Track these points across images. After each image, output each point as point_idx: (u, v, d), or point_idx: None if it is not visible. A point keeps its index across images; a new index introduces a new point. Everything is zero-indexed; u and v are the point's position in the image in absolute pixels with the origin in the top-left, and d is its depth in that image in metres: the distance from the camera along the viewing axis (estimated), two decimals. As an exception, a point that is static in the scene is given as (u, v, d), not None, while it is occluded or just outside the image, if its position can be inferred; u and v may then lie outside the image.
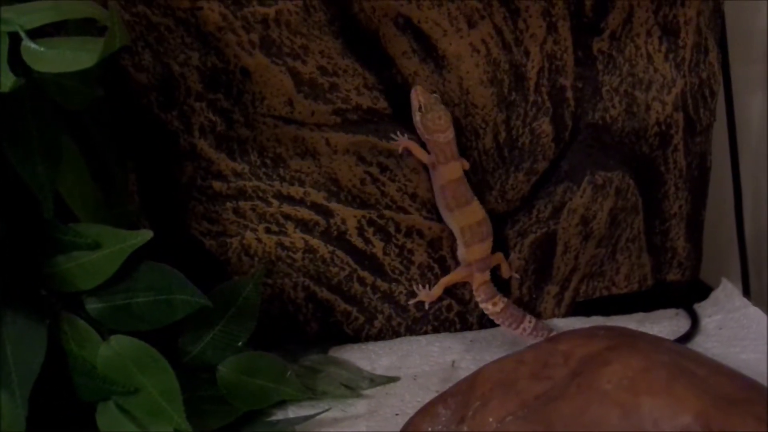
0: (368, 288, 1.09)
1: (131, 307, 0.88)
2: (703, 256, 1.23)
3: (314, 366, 1.04)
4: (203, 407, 0.94)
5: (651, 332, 1.03)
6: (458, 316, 1.13)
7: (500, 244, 1.11)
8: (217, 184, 1.03)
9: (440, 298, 1.11)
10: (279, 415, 0.96)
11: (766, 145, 1.39)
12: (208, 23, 0.95)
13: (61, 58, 0.78)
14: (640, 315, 1.17)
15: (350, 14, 0.99)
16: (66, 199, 0.87)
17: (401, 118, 1.02)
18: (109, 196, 0.95)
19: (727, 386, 0.75)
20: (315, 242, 1.06)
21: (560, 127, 1.08)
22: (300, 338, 1.11)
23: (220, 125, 1.01)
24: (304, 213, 1.05)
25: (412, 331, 1.13)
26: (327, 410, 0.96)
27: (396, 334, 1.13)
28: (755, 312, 1.13)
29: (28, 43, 0.78)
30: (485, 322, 1.14)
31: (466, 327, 1.14)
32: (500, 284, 1.11)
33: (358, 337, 1.12)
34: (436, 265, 1.10)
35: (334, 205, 1.05)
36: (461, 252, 1.07)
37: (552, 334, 1.06)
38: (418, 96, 1.00)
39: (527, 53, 1.04)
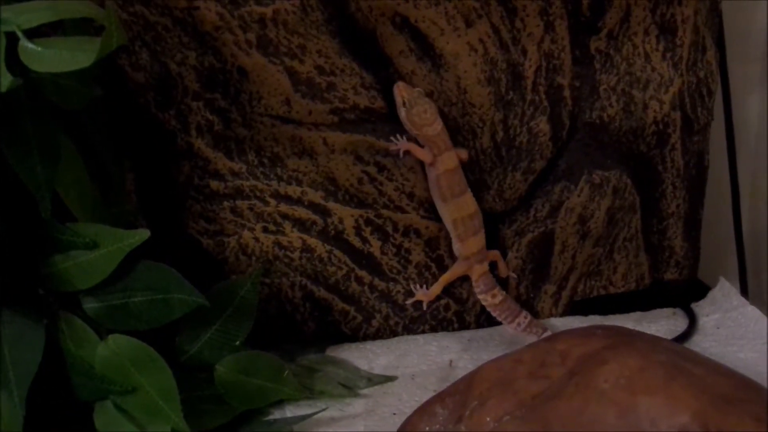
0: (366, 287, 1.09)
1: (129, 306, 0.88)
2: (700, 255, 1.23)
3: (312, 365, 1.04)
4: (201, 406, 0.94)
5: (648, 331, 1.03)
6: (456, 315, 1.13)
7: (498, 244, 1.12)
8: (215, 184, 1.03)
9: (438, 297, 1.11)
10: (276, 415, 0.96)
11: (765, 143, 1.39)
12: (205, 23, 0.95)
13: (58, 58, 0.78)
14: (638, 314, 1.17)
15: (347, 14, 0.99)
16: (64, 198, 0.87)
17: (398, 119, 1.02)
18: (107, 196, 0.95)
19: (725, 386, 0.75)
20: (312, 241, 1.06)
21: (558, 126, 1.08)
22: (297, 337, 1.11)
23: (217, 124, 1.01)
24: (302, 212, 1.05)
25: (409, 330, 1.13)
26: (324, 409, 0.96)
27: (393, 334, 1.13)
28: (753, 311, 1.13)
29: (25, 43, 0.78)
30: (483, 322, 1.15)
31: (463, 326, 1.14)
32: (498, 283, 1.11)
33: (355, 336, 1.12)
34: (433, 265, 1.10)
35: (331, 205, 1.05)
36: (457, 247, 1.07)
37: (545, 334, 1.06)
38: (400, 92, 1.00)
39: (525, 52, 1.04)
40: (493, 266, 1.10)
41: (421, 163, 1.04)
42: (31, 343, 0.84)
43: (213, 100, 1.00)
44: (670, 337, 1.08)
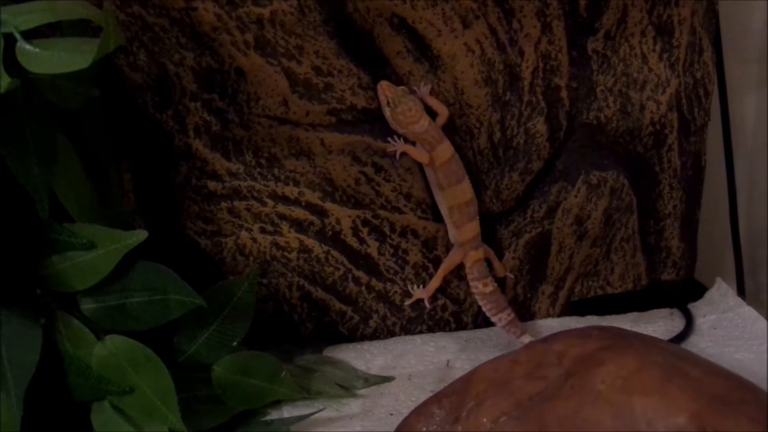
0: (363, 288, 1.09)
1: (126, 307, 0.88)
2: (697, 255, 1.23)
3: (309, 366, 1.04)
4: (198, 407, 0.94)
5: (645, 332, 1.03)
6: (453, 315, 1.14)
7: (495, 244, 1.12)
8: (212, 184, 1.03)
9: (435, 298, 1.11)
10: (274, 415, 0.97)
11: (761, 144, 1.40)
12: (203, 23, 0.95)
13: (55, 60, 0.78)
14: (635, 315, 1.17)
15: (345, 14, 0.99)
16: (61, 199, 0.87)
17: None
18: (105, 196, 0.95)
19: (722, 387, 0.76)
20: (310, 242, 1.06)
21: (555, 126, 1.08)
22: (295, 338, 1.11)
23: (215, 125, 1.01)
24: (299, 213, 1.05)
25: (407, 330, 1.13)
26: (321, 410, 0.97)
27: (391, 334, 1.13)
28: (749, 312, 1.13)
29: (23, 45, 0.78)
30: (480, 322, 1.15)
31: (461, 326, 1.14)
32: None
33: (353, 336, 1.12)
34: (430, 265, 1.10)
35: (328, 205, 1.05)
36: (452, 233, 1.07)
37: (524, 336, 1.06)
38: (384, 91, 0.99)
39: (522, 53, 1.04)
40: (487, 264, 1.10)
41: (420, 165, 1.04)
42: (28, 344, 0.84)
43: (211, 100, 1.00)
44: (667, 337, 1.09)
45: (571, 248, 1.13)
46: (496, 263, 1.11)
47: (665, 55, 1.09)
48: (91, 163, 0.92)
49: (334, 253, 1.07)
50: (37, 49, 0.78)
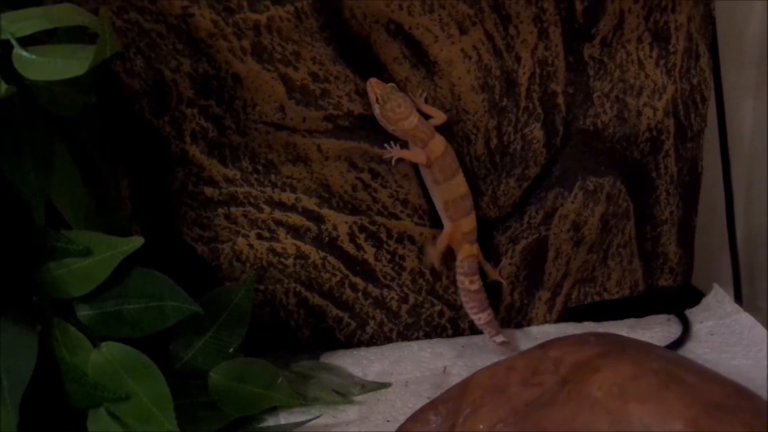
0: (360, 294, 1.09)
1: (122, 313, 0.88)
2: (694, 261, 1.23)
3: (305, 372, 1.04)
4: (195, 413, 0.94)
5: (642, 338, 1.03)
6: (450, 322, 1.14)
7: (492, 250, 1.12)
8: (209, 190, 1.03)
9: (432, 304, 1.11)
10: (270, 422, 0.97)
11: (758, 150, 1.40)
12: (199, 30, 0.95)
13: (52, 66, 0.78)
14: (632, 321, 1.17)
15: (341, 21, 0.99)
16: (57, 205, 0.87)
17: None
18: (101, 203, 0.95)
19: (718, 393, 0.75)
20: (306, 248, 1.06)
21: (551, 132, 1.08)
22: (291, 344, 1.11)
23: (211, 131, 1.01)
24: (296, 219, 1.05)
25: (403, 336, 1.13)
26: (318, 416, 0.96)
27: (388, 340, 1.13)
28: (746, 318, 1.13)
29: (19, 51, 0.78)
30: (477, 329, 1.15)
31: (458, 333, 1.14)
32: (491, 291, 1.12)
33: (349, 342, 1.12)
34: (427, 271, 1.10)
35: (325, 211, 1.05)
36: (448, 228, 1.06)
37: (498, 337, 1.07)
38: (373, 89, 0.99)
39: (518, 59, 1.04)
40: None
41: (416, 170, 1.04)
42: (24, 350, 0.84)
43: (207, 106, 1.00)
44: (663, 343, 1.09)
45: (568, 254, 1.13)
46: (486, 266, 1.10)
47: (662, 61, 1.09)
48: (87, 170, 0.92)
49: (330, 259, 1.07)
50: (33, 56, 0.78)
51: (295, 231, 1.06)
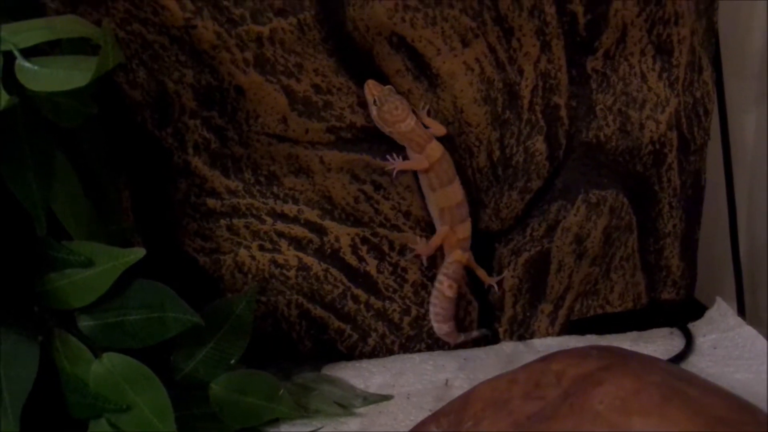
0: (362, 306, 1.09)
1: (124, 324, 0.88)
2: (697, 274, 1.23)
3: (307, 384, 1.03)
4: (195, 425, 0.94)
5: (645, 351, 1.03)
6: (452, 334, 1.13)
7: (494, 263, 1.11)
8: (211, 202, 1.03)
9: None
10: (271, 434, 0.96)
11: (761, 163, 1.40)
12: (202, 41, 0.95)
13: (54, 77, 0.78)
14: (635, 334, 1.17)
15: (344, 33, 0.99)
16: (59, 216, 0.87)
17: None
18: (103, 214, 0.95)
19: (721, 407, 0.75)
20: (308, 260, 1.06)
21: (554, 145, 1.08)
22: (293, 356, 1.11)
23: (214, 143, 1.01)
24: (298, 231, 1.05)
25: (405, 349, 1.13)
26: (320, 428, 0.96)
27: (390, 352, 1.12)
28: (750, 331, 1.13)
29: (22, 62, 0.78)
30: (479, 341, 1.14)
31: (459, 345, 1.14)
32: (494, 304, 1.12)
33: (351, 354, 1.12)
34: (429, 284, 1.09)
35: (327, 223, 1.05)
36: (442, 230, 1.06)
37: (456, 336, 1.08)
38: (371, 90, 0.99)
39: (521, 72, 1.04)
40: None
41: (417, 181, 1.05)
42: (25, 361, 0.84)
43: (210, 118, 1.00)
44: (666, 357, 1.08)
45: (571, 267, 1.13)
46: (480, 271, 1.10)
47: (665, 74, 1.09)
48: (89, 181, 0.92)
49: (332, 271, 1.07)
50: (35, 67, 0.78)
51: (297, 243, 1.06)
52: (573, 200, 1.10)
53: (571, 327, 1.17)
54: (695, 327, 1.17)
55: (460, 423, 0.83)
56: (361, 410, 1.01)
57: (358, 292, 1.09)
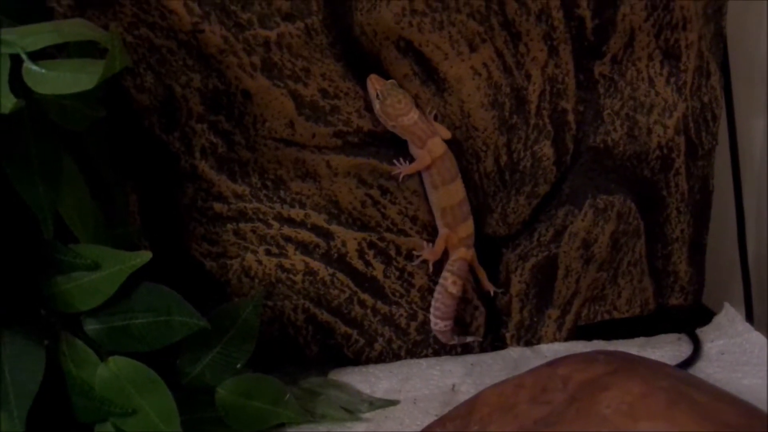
0: (368, 311, 1.09)
1: (130, 328, 0.88)
2: (705, 280, 1.23)
3: (313, 388, 1.03)
4: (201, 429, 0.94)
5: (652, 357, 1.02)
6: (459, 339, 1.13)
7: (501, 268, 1.11)
8: (218, 206, 1.03)
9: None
10: (277, 438, 0.96)
11: (770, 169, 1.40)
12: (209, 46, 0.95)
13: (61, 80, 0.78)
14: (642, 339, 1.16)
15: (352, 37, 0.99)
16: (66, 219, 0.87)
17: (402, 141, 1.02)
18: (110, 217, 0.95)
19: (728, 413, 0.75)
20: (315, 264, 1.06)
21: (561, 150, 1.08)
22: (300, 360, 1.11)
23: (221, 147, 1.01)
24: (305, 235, 1.05)
25: (412, 354, 1.12)
26: (326, 433, 0.96)
27: (396, 357, 1.12)
28: (758, 337, 1.12)
29: (29, 65, 0.79)
30: (486, 346, 1.14)
31: (466, 350, 1.14)
32: (501, 309, 1.11)
33: (358, 359, 1.12)
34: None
35: (334, 228, 1.05)
36: (444, 234, 1.06)
37: (451, 338, 1.08)
38: (373, 84, 0.99)
39: (528, 76, 1.04)
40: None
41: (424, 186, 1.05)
42: (31, 364, 0.84)
43: (217, 122, 1.00)
44: (674, 362, 1.08)
45: (578, 272, 1.12)
46: (480, 272, 1.10)
47: (672, 79, 1.09)
48: (96, 184, 0.92)
49: (339, 275, 1.07)
50: (43, 70, 0.78)
51: (303, 247, 1.06)
52: (580, 205, 1.10)
53: (579, 332, 1.17)
54: (703, 333, 1.17)
55: (466, 427, 0.82)
56: (368, 415, 1.01)
57: (364, 296, 1.09)
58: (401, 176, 1.02)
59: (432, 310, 1.07)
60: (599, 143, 1.10)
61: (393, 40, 0.99)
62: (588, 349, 1.05)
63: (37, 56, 0.80)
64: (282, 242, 1.05)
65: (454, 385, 1.07)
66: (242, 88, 0.98)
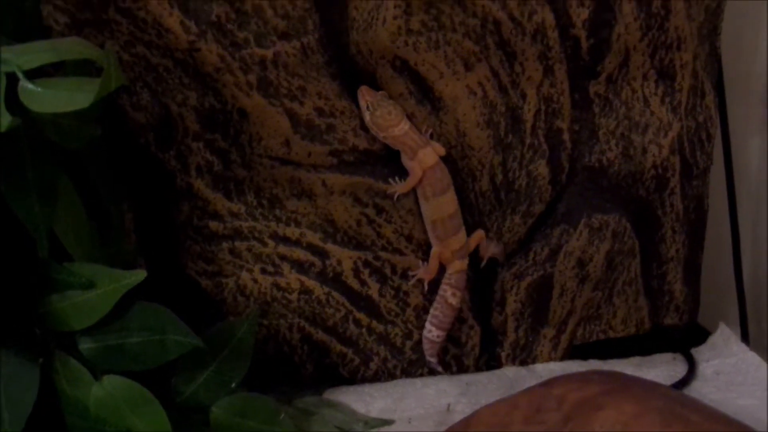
0: (364, 330, 1.09)
1: (124, 347, 0.88)
2: (700, 299, 1.23)
3: (308, 408, 1.03)
4: (196, 448, 0.94)
5: (648, 376, 1.02)
6: (454, 358, 1.13)
7: (496, 287, 1.11)
8: (214, 224, 1.03)
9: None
10: (272, 457, 0.96)
11: (765, 188, 1.39)
12: (206, 64, 0.95)
13: (57, 99, 0.78)
14: (637, 359, 1.16)
15: (348, 56, 0.99)
16: (61, 238, 0.87)
17: (397, 160, 1.02)
18: (105, 235, 0.95)
19: (723, 433, 0.75)
20: (310, 283, 1.06)
21: (557, 169, 1.08)
22: (295, 379, 1.10)
23: (217, 165, 1.01)
24: (300, 254, 1.05)
25: (407, 373, 1.12)
26: (320, 453, 0.96)
27: (392, 377, 1.12)
28: (753, 357, 1.12)
29: (25, 84, 0.79)
30: (481, 365, 1.14)
31: (462, 370, 1.14)
32: (496, 328, 1.11)
33: (353, 378, 1.11)
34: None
35: (329, 246, 1.05)
36: (436, 246, 1.06)
37: (432, 358, 1.09)
38: (364, 96, 1.00)
39: (524, 96, 1.04)
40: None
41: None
42: (26, 383, 0.84)
43: (213, 140, 1.00)
44: (669, 382, 1.08)
45: (573, 291, 1.12)
46: (482, 244, 1.09)
47: (667, 99, 1.10)
48: (92, 202, 0.92)
49: (335, 294, 1.07)
50: (39, 89, 0.78)
51: (299, 266, 1.06)
52: (576, 224, 1.10)
53: (574, 352, 1.17)
54: (698, 352, 1.17)
55: (461, 447, 0.82)
56: (363, 434, 1.01)
57: (360, 315, 1.08)
58: (396, 195, 1.03)
59: (429, 317, 1.08)
60: (594, 162, 1.10)
61: (389, 59, 0.99)
62: (583, 369, 1.05)
63: (34, 74, 0.80)
64: (277, 261, 1.05)
65: (449, 405, 1.06)
66: (238, 107, 0.98)
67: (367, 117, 1.00)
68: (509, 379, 1.11)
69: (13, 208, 0.82)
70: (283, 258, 1.05)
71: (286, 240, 1.04)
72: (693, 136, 1.13)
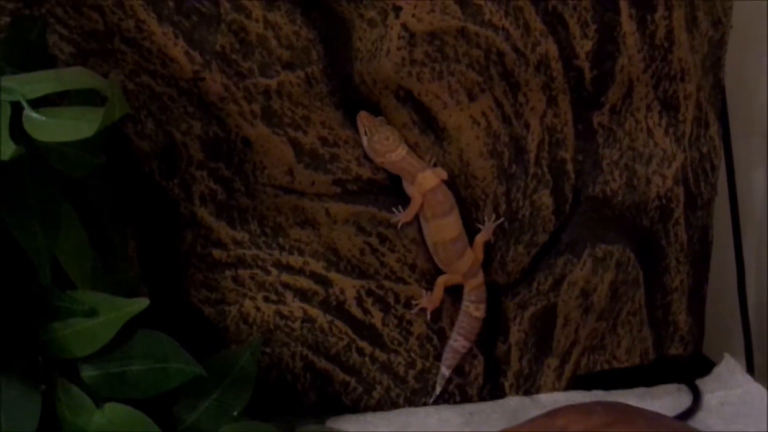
0: (367, 358, 1.09)
1: (126, 374, 0.87)
2: (705, 330, 1.22)
3: (310, 437, 1.03)
4: (198, 477, 0.93)
5: (652, 407, 1.02)
6: (458, 388, 1.13)
7: (500, 316, 1.11)
8: (217, 252, 1.03)
9: (439, 369, 1.10)
10: (273, 487, 0.96)
11: (770, 219, 1.40)
12: (210, 93, 0.96)
13: (61, 128, 0.79)
14: (642, 389, 1.16)
15: (351, 86, 1.00)
16: (64, 265, 0.87)
17: (401, 189, 1.03)
18: (108, 263, 0.95)
19: (726, 465, 0.75)
20: (314, 312, 1.06)
21: (560, 199, 1.08)
22: (297, 408, 1.10)
23: (220, 194, 1.01)
24: (303, 282, 1.05)
25: (411, 402, 1.12)
26: (322, 482, 0.96)
27: (395, 405, 1.12)
28: (758, 389, 1.12)
29: (29, 112, 0.79)
30: (485, 395, 1.14)
31: (465, 399, 1.13)
32: (500, 358, 1.11)
33: (356, 407, 1.11)
34: (435, 336, 1.09)
35: (333, 275, 1.05)
36: (443, 269, 1.06)
37: (446, 369, 1.09)
38: (362, 121, 1.00)
39: (527, 126, 1.04)
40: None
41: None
42: (27, 410, 0.84)
43: (217, 169, 1.01)
44: (673, 413, 1.07)
45: (577, 321, 1.12)
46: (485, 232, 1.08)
47: (671, 130, 1.10)
48: (95, 230, 0.92)
49: (338, 323, 1.07)
50: (43, 118, 0.79)
51: (302, 294, 1.06)
52: (579, 254, 1.10)
53: (578, 382, 1.16)
54: (703, 383, 1.16)
55: (462, 478, 0.82)
56: (365, 464, 1.00)
57: (363, 344, 1.08)
58: (400, 224, 1.03)
59: (456, 327, 1.08)
60: (598, 193, 1.10)
61: (392, 89, 0.99)
62: (587, 399, 1.05)
63: (38, 104, 0.80)
64: (280, 289, 1.05)
65: (452, 435, 1.06)
66: (242, 136, 0.99)
67: (365, 142, 1.00)
68: (513, 409, 1.11)
69: (16, 236, 0.82)
70: (286, 286, 1.05)
71: (289, 268, 1.04)
72: (697, 166, 1.13)
